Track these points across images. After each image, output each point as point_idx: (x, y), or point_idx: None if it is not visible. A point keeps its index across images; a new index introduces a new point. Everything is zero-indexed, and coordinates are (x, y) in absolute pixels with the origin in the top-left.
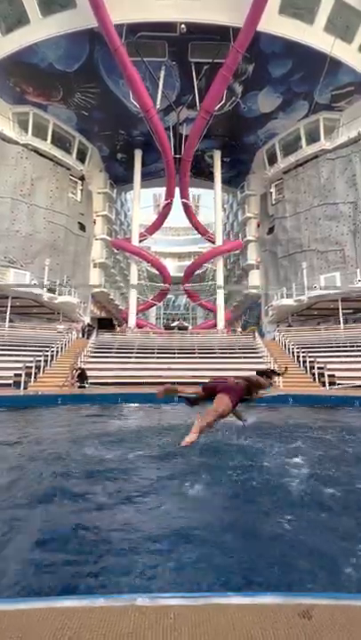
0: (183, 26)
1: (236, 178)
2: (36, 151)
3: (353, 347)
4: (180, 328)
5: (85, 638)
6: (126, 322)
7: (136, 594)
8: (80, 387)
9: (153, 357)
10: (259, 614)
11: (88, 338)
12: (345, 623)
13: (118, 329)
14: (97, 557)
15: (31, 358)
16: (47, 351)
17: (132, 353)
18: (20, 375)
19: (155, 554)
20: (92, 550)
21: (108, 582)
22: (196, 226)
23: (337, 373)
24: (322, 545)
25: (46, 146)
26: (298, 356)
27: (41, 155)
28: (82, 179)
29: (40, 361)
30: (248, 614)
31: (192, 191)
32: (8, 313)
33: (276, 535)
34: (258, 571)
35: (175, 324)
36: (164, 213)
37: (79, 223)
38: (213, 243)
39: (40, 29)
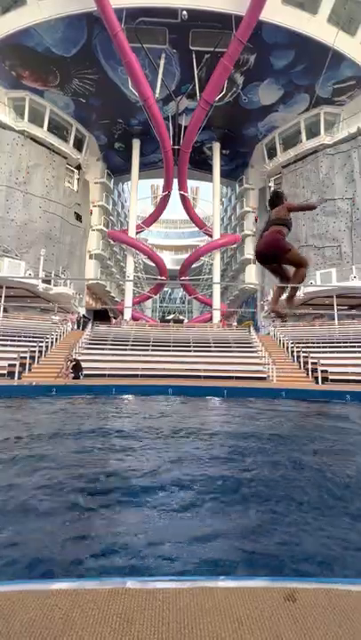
0: (185, 12)
1: (235, 171)
2: (33, 138)
3: (346, 343)
4: (175, 321)
5: (75, 619)
6: (122, 314)
7: (126, 577)
8: (74, 378)
9: (148, 350)
10: (245, 597)
11: (83, 329)
12: (327, 605)
13: (113, 321)
14: None
15: (25, 349)
16: (42, 342)
17: (127, 345)
18: (15, 365)
19: None
20: None
21: None
22: (194, 218)
23: (330, 369)
24: None
25: (42, 133)
26: (292, 351)
27: (37, 142)
28: (78, 168)
29: (34, 351)
30: (234, 597)
31: (190, 183)
32: (2, 302)
33: None
34: None
35: (171, 317)
36: (161, 205)
37: (75, 213)
38: (211, 236)
39: (37, 11)
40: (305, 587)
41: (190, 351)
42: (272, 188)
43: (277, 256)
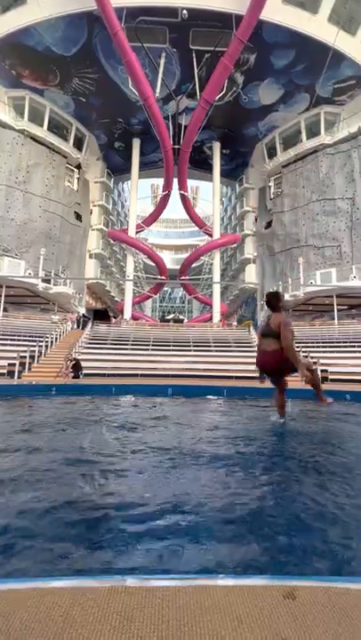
0: (185, 11)
1: (235, 170)
2: (32, 137)
3: (346, 342)
4: (175, 321)
5: (75, 616)
6: (122, 313)
7: (126, 575)
8: (74, 377)
9: (148, 349)
10: (244, 595)
11: (83, 329)
12: (327, 603)
13: (113, 320)
14: None
15: (25, 348)
16: (42, 341)
17: (127, 345)
18: (14, 365)
19: None
20: None
21: None
22: (194, 218)
23: (330, 369)
24: None
25: (42, 132)
26: None
27: (37, 141)
28: (78, 167)
29: (34, 351)
30: (234, 595)
31: (190, 183)
32: (2, 302)
33: None
34: None
35: (171, 316)
36: (161, 205)
37: (75, 212)
38: (211, 236)
39: (37, 10)
40: (304, 585)
41: (190, 351)
42: (269, 291)
43: (282, 372)
